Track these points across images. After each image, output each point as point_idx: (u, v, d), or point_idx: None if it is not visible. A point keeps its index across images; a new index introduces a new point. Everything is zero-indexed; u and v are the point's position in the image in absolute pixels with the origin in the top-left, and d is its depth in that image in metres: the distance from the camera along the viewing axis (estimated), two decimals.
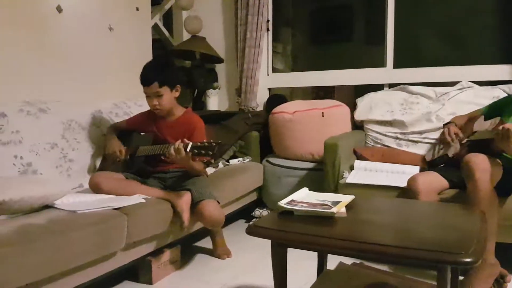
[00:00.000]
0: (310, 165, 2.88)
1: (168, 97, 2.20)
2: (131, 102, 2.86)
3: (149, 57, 3.22)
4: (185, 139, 1.96)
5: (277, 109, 3.03)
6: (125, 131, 2.40)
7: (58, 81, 2.56)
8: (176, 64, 3.29)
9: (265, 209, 3.04)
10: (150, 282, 2.06)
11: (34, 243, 1.45)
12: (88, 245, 1.64)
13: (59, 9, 2.56)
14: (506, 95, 2.58)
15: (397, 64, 3.14)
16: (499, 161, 1.91)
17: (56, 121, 2.33)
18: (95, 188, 2.05)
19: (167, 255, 2.16)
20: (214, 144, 1.87)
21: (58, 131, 2.32)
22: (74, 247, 1.57)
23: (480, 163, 1.83)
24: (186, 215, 2.06)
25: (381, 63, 3.19)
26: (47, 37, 2.50)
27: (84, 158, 2.42)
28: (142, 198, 2.00)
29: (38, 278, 1.47)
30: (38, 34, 2.45)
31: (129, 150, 2.30)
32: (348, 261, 1.77)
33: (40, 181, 1.90)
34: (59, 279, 1.58)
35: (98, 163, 2.46)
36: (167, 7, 3.64)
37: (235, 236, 2.64)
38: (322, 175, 2.59)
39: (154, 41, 3.39)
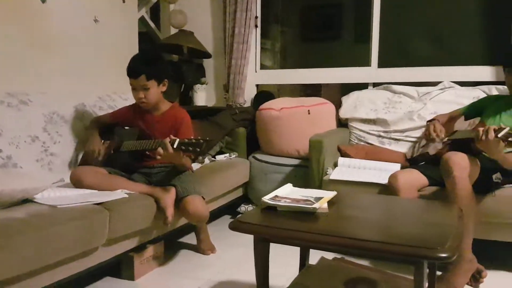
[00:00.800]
0: (295, 161, 2.90)
1: (155, 91, 2.19)
2: (116, 96, 2.83)
3: (135, 50, 3.20)
4: (172, 136, 1.95)
5: (265, 105, 3.04)
6: (108, 125, 2.38)
7: (41, 73, 2.53)
8: (165, 58, 3.27)
9: (250, 205, 3.05)
10: (132, 278, 2.05)
11: (13, 237, 1.43)
12: (69, 240, 1.62)
13: (43, 0, 2.52)
14: (485, 95, 2.62)
15: (382, 64, 3.18)
16: (477, 159, 1.95)
17: (38, 114, 2.30)
18: (76, 182, 2.03)
19: (150, 250, 2.15)
20: (202, 141, 1.86)
21: (40, 124, 2.28)
22: (55, 242, 1.56)
23: (458, 161, 1.86)
24: (170, 211, 2.05)
25: (367, 62, 3.22)
26: (30, 28, 2.46)
27: (66, 152, 2.39)
28: (125, 193, 1.98)
29: (18, 272, 1.45)
30: (21, 25, 2.41)
31: (113, 145, 2.28)
32: (329, 256, 1.79)
33: (20, 174, 1.88)
34: (39, 274, 1.57)
35: (80, 157, 2.43)
36: (154, 0, 3.62)
37: (221, 232, 2.65)
38: (307, 171, 2.62)
39: (140, 34, 3.36)
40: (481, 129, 1.76)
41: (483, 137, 1.75)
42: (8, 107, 2.17)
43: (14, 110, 2.19)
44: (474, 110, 2.33)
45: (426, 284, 1.23)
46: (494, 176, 2.02)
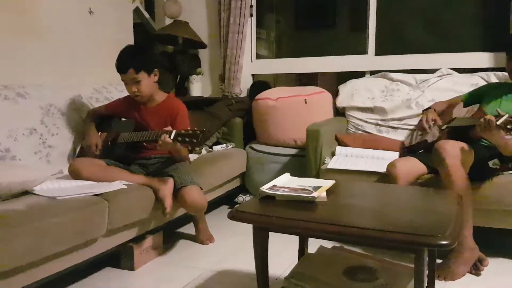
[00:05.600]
0: (292, 151, 2.90)
1: (147, 82, 2.17)
2: (112, 87, 2.82)
3: (130, 41, 3.17)
4: (169, 127, 1.95)
5: (261, 95, 3.03)
6: (105, 116, 2.37)
7: (37, 65, 2.51)
8: (152, 48, 3.23)
9: (248, 195, 3.05)
10: (132, 268, 2.06)
11: (13, 229, 1.43)
12: (69, 232, 1.62)
13: None
14: (484, 82, 2.62)
15: (379, 51, 3.17)
16: (470, 147, 1.93)
17: (35, 106, 2.29)
18: (75, 174, 2.02)
19: (149, 241, 2.16)
20: (199, 132, 1.86)
21: (37, 116, 2.28)
22: (54, 233, 1.56)
23: (449, 149, 1.85)
24: (168, 201, 2.05)
25: (363, 50, 3.21)
26: (25, 19, 2.44)
27: (64, 144, 2.38)
28: (124, 184, 1.98)
29: (18, 264, 1.46)
30: (16, 17, 2.38)
31: (110, 136, 2.28)
32: (328, 244, 1.80)
33: (19, 166, 1.87)
34: (39, 265, 1.57)
35: (78, 148, 2.43)
36: None
37: (218, 222, 2.66)
38: (304, 161, 2.62)
39: (135, 25, 3.34)
40: (485, 118, 1.74)
41: (485, 128, 1.74)
42: (5, 100, 2.16)
43: (11, 103, 2.18)
44: (474, 97, 2.32)
45: (426, 272, 1.24)
46: (491, 163, 2.02)
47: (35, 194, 1.76)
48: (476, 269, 1.93)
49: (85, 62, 2.83)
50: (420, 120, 2.27)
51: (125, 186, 1.96)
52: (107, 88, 2.78)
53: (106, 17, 2.98)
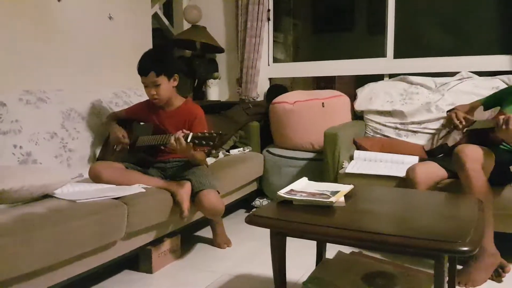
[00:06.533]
0: (310, 155, 2.89)
1: (166, 86, 2.20)
2: (131, 92, 2.86)
3: (149, 46, 3.21)
4: (185, 130, 1.96)
5: (278, 99, 3.02)
6: (124, 121, 2.40)
7: (57, 70, 2.56)
8: (174, 53, 3.26)
9: (265, 199, 3.05)
10: (150, 271, 2.08)
11: (34, 232, 1.45)
12: (88, 235, 1.64)
13: None
14: (505, 85, 2.57)
15: (398, 54, 3.14)
16: (491, 151, 1.90)
17: (56, 110, 2.33)
18: (95, 177, 2.05)
19: (167, 244, 2.17)
20: (215, 134, 1.87)
21: (58, 121, 2.32)
22: (74, 236, 1.58)
23: (469, 153, 1.83)
24: (186, 205, 2.06)
25: (382, 53, 3.18)
26: (46, 26, 2.49)
27: (84, 148, 2.42)
28: (142, 187, 2.00)
29: (38, 267, 1.48)
30: (37, 23, 2.44)
31: (130, 138, 2.31)
32: (347, 250, 1.78)
33: (40, 170, 1.91)
34: (59, 268, 1.59)
35: (98, 152, 2.47)
36: None
37: (236, 226, 2.66)
38: (322, 165, 2.60)
39: (154, 30, 3.38)
40: (501, 117, 1.72)
41: (504, 126, 1.71)
42: (27, 105, 2.21)
43: (32, 107, 2.23)
44: (494, 100, 2.28)
45: (446, 279, 1.22)
46: None
47: (55, 197, 1.79)
48: (497, 275, 1.89)
49: (104, 67, 2.87)
50: (449, 118, 2.21)
51: (143, 190, 1.98)
52: (126, 92, 2.82)
53: (125, 23, 3.02)
